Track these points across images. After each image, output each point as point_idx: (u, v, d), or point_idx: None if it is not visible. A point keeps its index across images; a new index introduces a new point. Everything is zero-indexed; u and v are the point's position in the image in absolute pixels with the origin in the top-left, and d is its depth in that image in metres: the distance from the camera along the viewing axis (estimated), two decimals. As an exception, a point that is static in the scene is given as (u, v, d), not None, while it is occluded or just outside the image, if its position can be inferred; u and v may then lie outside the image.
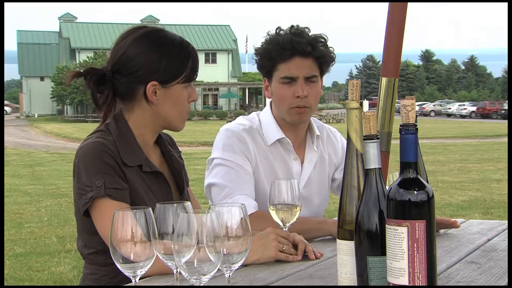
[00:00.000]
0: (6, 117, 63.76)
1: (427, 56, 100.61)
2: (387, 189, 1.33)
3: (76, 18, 70.93)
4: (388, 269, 1.30)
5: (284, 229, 1.92)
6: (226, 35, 69.58)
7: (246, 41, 75.72)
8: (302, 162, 2.56)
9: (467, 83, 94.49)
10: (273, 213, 1.89)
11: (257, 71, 2.60)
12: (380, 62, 3.05)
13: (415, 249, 1.26)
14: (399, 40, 2.53)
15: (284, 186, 1.88)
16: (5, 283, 5.72)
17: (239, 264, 1.37)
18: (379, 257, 1.35)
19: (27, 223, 8.84)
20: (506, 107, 53.38)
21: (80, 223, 2.01)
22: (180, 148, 2.29)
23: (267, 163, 2.49)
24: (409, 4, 2.52)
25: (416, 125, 1.31)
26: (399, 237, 1.27)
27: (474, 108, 59.56)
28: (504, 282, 1.65)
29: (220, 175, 2.40)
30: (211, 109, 59.96)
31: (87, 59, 54.57)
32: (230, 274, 1.39)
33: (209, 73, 61.89)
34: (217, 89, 62.25)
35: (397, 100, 2.54)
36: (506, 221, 2.53)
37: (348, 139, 1.45)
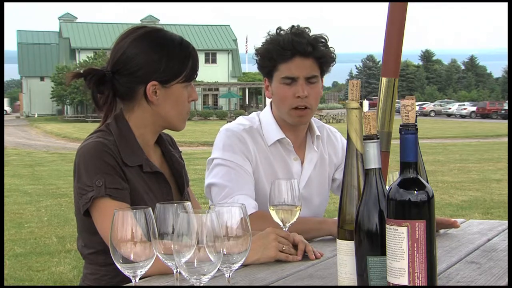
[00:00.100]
0: (6, 117, 63.75)
1: (427, 56, 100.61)
2: (387, 189, 1.33)
3: (76, 18, 70.94)
4: (388, 269, 1.30)
5: (284, 229, 1.92)
6: (226, 35, 69.58)
7: (246, 41, 75.75)
8: (302, 162, 2.56)
9: (467, 83, 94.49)
10: (273, 213, 1.90)
11: (257, 71, 2.60)
12: (380, 62, 3.05)
13: (415, 249, 1.26)
14: (399, 40, 2.53)
15: (284, 186, 1.88)
16: (5, 283, 5.72)
17: (239, 264, 1.37)
18: (379, 257, 1.35)
19: (27, 223, 8.84)
20: (506, 107, 53.39)
21: (80, 223, 2.01)
22: (180, 148, 2.29)
23: (267, 163, 2.49)
24: (409, 4, 2.52)
25: (416, 125, 1.31)
26: (399, 237, 1.27)
27: (474, 108, 59.56)
28: (504, 282, 1.65)
29: (220, 175, 2.40)
30: (211, 109, 59.96)
31: (87, 59, 54.58)
32: (230, 274, 1.39)
33: (209, 73, 61.90)
34: (217, 89, 62.25)
35: (397, 100, 2.54)
36: (506, 221, 2.53)
37: (348, 139, 1.45)
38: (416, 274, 1.27)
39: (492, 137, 28.60)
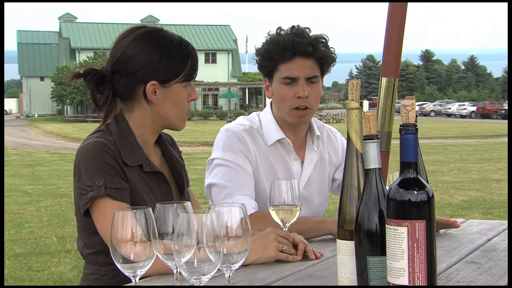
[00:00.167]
0: (6, 117, 63.77)
1: (427, 56, 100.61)
2: (387, 189, 1.33)
3: (76, 18, 70.93)
4: (388, 269, 1.30)
5: (284, 229, 1.92)
6: (226, 35, 69.58)
7: (246, 41, 75.74)
8: (302, 162, 2.56)
9: (467, 83, 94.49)
10: (273, 213, 1.90)
11: (257, 71, 2.60)
12: (380, 62, 3.05)
13: (415, 249, 1.26)
14: (399, 40, 2.53)
15: (284, 186, 1.88)
16: (5, 283, 5.72)
17: (239, 264, 1.37)
18: (379, 257, 1.35)
19: (27, 223, 8.84)
20: (506, 107, 53.39)
21: (80, 223, 2.01)
22: (180, 148, 2.29)
23: (267, 163, 2.49)
24: (409, 4, 2.52)
25: (416, 125, 1.31)
26: (399, 237, 1.27)
27: (474, 108, 59.56)
28: (504, 282, 1.65)
29: (220, 175, 2.40)
30: (211, 109, 59.97)
31: (87, 59, 54.58)
32: (230, 274, 1.39)
33: (209, 73, 61.91)
34: (217, 89, 62.25)
35: (397, 100, 2.54)
36: (506, 221, 2.53)
37: (348, 139, 1.45)
38: (416, 274, 1.27)
39: (492, 137, 28.60)
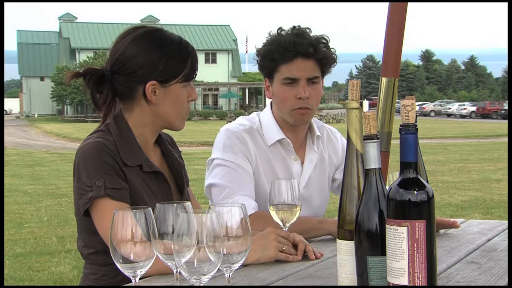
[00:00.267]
0: (6, 117, 63.77)
1: (427, 56, 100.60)
2: (387, 189, 1.33)
3: (76, 18, 70.95)
4: (388, 269, 1.30)
5: (284, 229, 1.92)
6: (226, 35, 69.58)
7: (246, 41, 75.73)
8: (302, 163, 2.56)
9: (467, 83, 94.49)
10: (273, 213, 1.89)
11: (257, 71, 2.60)
12: (380, 62, 3.05)
13: (415, 249, 1.26)
14: (399, 40, 2.53)
15: (284, 186, 1.88)
16: (5, 283, 5.72)
17: (239, 264, 1.37)
18: (379, 257, 1.35)
19: (27, 223, 8.84)
20: (506, 107, 53.39)
21: (80, 223, 2.01)
22: (180, 148, 2.29)
23: (267, 164, 2.49)
24: (409, 4, 2.52)
25: (416, 125, 1.31)
26: (399, 237, 1.27)
27: (474, 108, 59.57)
28: (504, 282, 1.65)
29: (220, 176, 2.40)
30: (211, 109, 59.98)
31: (87, 59, 54.60)
32: (230, 274, 1.39)
33: (209, 73, 61.91)
34: (217, 89, 62.26)
35: (397, 100, 2.53)
36: (506, 221, 2.53)
37: (348, 139, 1.45)
38: (416, 274, 1.27)
39: (492, 137, 28.60)
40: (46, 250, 7.17)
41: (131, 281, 1.38)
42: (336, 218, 1.50)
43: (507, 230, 2.34)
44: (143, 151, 2.01)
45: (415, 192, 1.28)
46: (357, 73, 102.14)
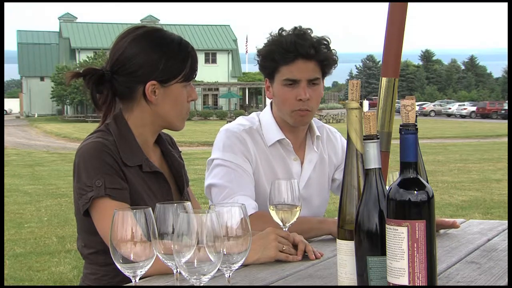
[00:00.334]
0: (6, 117, 63.77)
1: (427, 56, 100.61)
2: (387, 189, 1.33)
3: (76, 18, 70.95)
4: (388, 269, 1.30)
5: (284, 229, 1.92)
6: (226, 35, 69.58)
7: (246, 41, 75.75)
8: (302, 163, 2.56)
9: (467, 83, 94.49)
10: (273, 213, 1.89)
11: (257, 71, 2.61)
12: (380, 62, 3.05)
13: (415, 249, 1.26)
14: (399, 40, 2.53)
15: (284, 186, 1.88)
16: (5, 283, 5.72)
17: (239, 264, 1.37)
18: (379, 257, 1.35)
19: (27, 223, 8.84)
20: (506, 107, 53.39)
21: (80, 223, 2.01)
22: (180, 148, 2.29)
23: (267, 164, 2.49)
24: (409, 4, 2.52)
25: (416, 125, 1.31)
26: (399, 237, 1.27)
27: (474, 108, 59.57)
28: (504, 282, 1.65)
29: (220, 176, 2.40)
30: (211, 109, 59.98)
31: (87, 59, 54.60)
32: (230, 274, 1.39)
33: (209, 73, 61.91)
34: (217, 89, 62.26)
35: (397, 100, 2.53)
36: (506, 221, 2.53)
37: (348, 139, 1.45)
38: (416, 274, 1.27)
39: (492, 137, 28.60)
40: (46, 250, 7.17)
41: (131, 281, 1.38)
42: (336, 218, 1.50)
43: (507, 230, 2.34)
44: (143, 151, 2.01)
45: (415, 192, 1.28)
46: (357, 73, 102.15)
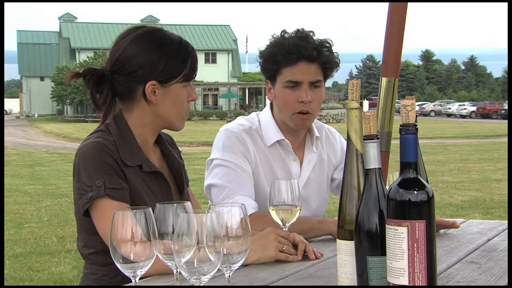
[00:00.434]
0: (6, 117, 63.77)
1: (427, 56, 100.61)
2: (387, 189, 1.33)
3: (76, 18, 70.95)
4: (388, 269, 1.30)
5: (284, 229, 1.92)
6: (226, 35, 69.58)
7: (246, 41, 75.76)
8: (301, 163, 2.56)
9: (467, 83, 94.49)
10: (273, 213, 1.89)
11: (257, 71, 2.61)
12: (380, 62, 3.05)
13: (415, 249, 1.26)
14: (399, 40, 2.53)
15: (284, 186, 1.88)
16: (5, 283, 5.72)
17: (239, 264, 1.37)
18: (379, 257, 1.35)
19: (27, 223, 8.84)
20: (506, 107, 53.39)
21: (80, 223, 2.01)
22: (180, 148, 2.29)
23: (266, 164, 2.49)
24: (409, 4, 2.52)
25: (416, 125, 1.31)
26: (399, 237, 1.27)
27: (474, 108, 59.57)
28: (504, 282, 1.65)
29: (220, 176, 2.40)
30: (211, 109, 59.98)
31: (87, 59, 54.61)
32: (230, 274, 1.39)
33: (209, 73, 61.91)
34: (217, 89, 62.26)
35: (397, 100, 2.53)
36: (506, 221, 2.53)
37: (348, 139, 1.45)
38: (416, 274, 1.27)
39: (492, 137, 28.60)
40: (46, 250, 7.17)
41: (131, 281, 1.38)
42: (336, 218, 1.50)
43: (507, 230, 2.34)
44: (142, 151, 2.01)
45: (415, 192, 1.28)
46: (357, 73, 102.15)
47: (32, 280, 5.96)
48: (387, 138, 2.53)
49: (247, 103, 61.67)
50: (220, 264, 1.28)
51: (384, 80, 2.54)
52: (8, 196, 11.33)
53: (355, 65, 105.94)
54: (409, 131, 1.30)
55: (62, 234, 8.00)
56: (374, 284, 1.36)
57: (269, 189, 1.90)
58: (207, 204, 3.80)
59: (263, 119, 2.55)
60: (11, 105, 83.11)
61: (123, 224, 1.33)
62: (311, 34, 2.45)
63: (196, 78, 2.12)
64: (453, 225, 2.31)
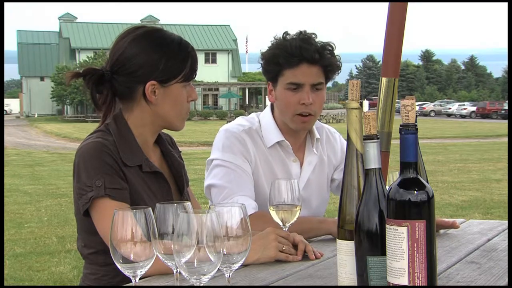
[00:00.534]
0: (6, 117, 63.77)
1: (427, 56, 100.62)
2: (387, 189, 1.33)
3: (76, 18, 70.95)
4: (388, 269, 1.30)
5: (284, 229, 1.92)
6: (226, 35, 69.58)
7: (246, 41, 75.77)
8: (301, 164, 2.56)
9: (467, 83, 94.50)
10: (273, 213, 1.89)
11: (257, 71, 2.61)
12: (380, 62, 3.05)
13: (415, 249, 1.26)
14: (399, 40, 2.53)
15: (284, 186, 1.88)
16: (5, 283, 5.72)
17: (239, 264, 1.37)
18: (379, 257, 1.35)
19: (27, 223, 8.84)
20: (506, 107, 53.39)
21: (80, 223, 2.01)
22: (180, 148, 2.29)
23: (266, 165, 2.49)
24: (409, 4, 2.52)
25: (416, 125, 1.31)
26: (399, 237, 1.27)
27: (474, 108, 59.57)
28: (504, 282, 1.65)
29: (220, 176, 2.40)
30: (211, 109, 59.98)
31: (87, 59, 54.61)
32: (230, 274, 1.39)
33: (209, 73, 61.91)
34: (217, 89, 62.26)
35: (397, 100, 2.53)
36: (506, 221, 2.53)
37: (348, 139, 1.45)
38: (416, 274, 1.27)
39: (492, 137, 28.60)
40: (46, 250, 7.17)
41: (131, 281, 1.38)
42: (336, 218, 1.50)
43: (507, 230, 2.34)
44: (142, 151, 2.01)
45: (415, 192, 1.28)
46: (357, 73, 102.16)
47: (32, 280, 5.96)
48: (387, 138, 2.53)
49: (247, 103, 61.66)
50: (220, 264, 1.28)
51: (384, 80, 2.54)
52: (8, 196, 11.33)
53: (355, 65, 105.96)
54: (409, 131, 1.30)
55: (62, 234, 8.00)
56: (374, 284, 1.36)
57: (269, 189, 1.90)
58: (207, 204, 3.80)
59: (264, 120, 2.55)
60: (11, 105, 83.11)
61: (123, 224, 1.33)
62: (313, 36, 2.45)
63: (196, 78, 2.12)
64: (453, 225, 2.31)
